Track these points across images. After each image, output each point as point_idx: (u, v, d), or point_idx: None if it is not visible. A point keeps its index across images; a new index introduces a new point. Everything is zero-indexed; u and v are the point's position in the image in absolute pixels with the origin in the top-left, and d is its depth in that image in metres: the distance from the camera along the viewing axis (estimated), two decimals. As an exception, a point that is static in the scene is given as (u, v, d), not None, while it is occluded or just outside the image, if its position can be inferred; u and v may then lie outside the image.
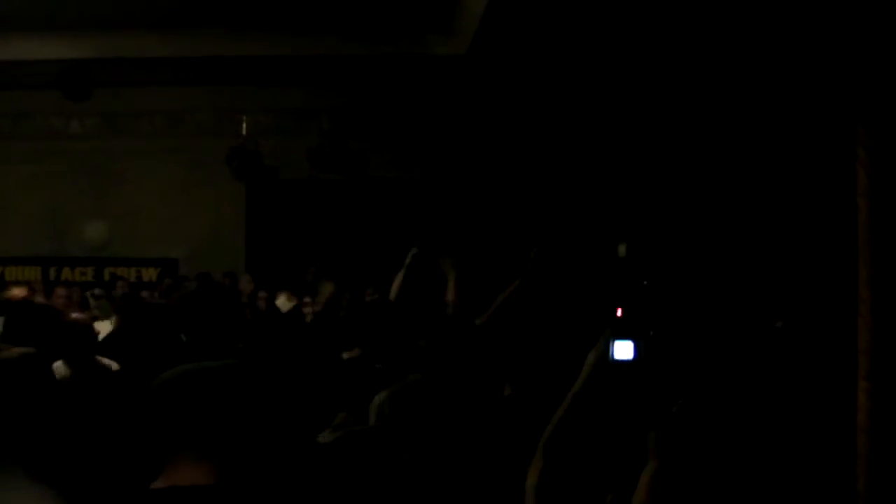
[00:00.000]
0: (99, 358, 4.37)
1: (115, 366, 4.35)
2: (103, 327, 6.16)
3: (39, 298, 7.67)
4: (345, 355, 5.62)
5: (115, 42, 9.12)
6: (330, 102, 10.72)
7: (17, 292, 7.31)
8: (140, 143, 11.37)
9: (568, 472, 2.11)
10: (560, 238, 9.35)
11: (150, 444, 1.97)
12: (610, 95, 8.61)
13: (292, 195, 11.18)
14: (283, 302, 7.72)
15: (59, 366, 4.05)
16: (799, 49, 5.80)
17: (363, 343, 5.80)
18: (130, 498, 2.01)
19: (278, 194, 11.15)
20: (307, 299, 7.29)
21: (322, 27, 8.96)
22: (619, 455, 2.28)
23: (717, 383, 3.56)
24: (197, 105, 11.18)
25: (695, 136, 7.87)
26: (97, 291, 8.25)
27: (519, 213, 10.41)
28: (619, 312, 2.04)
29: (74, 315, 6.06)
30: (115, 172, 11.40)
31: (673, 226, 8.49)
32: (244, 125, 10.00)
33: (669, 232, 8.49)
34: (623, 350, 1.97)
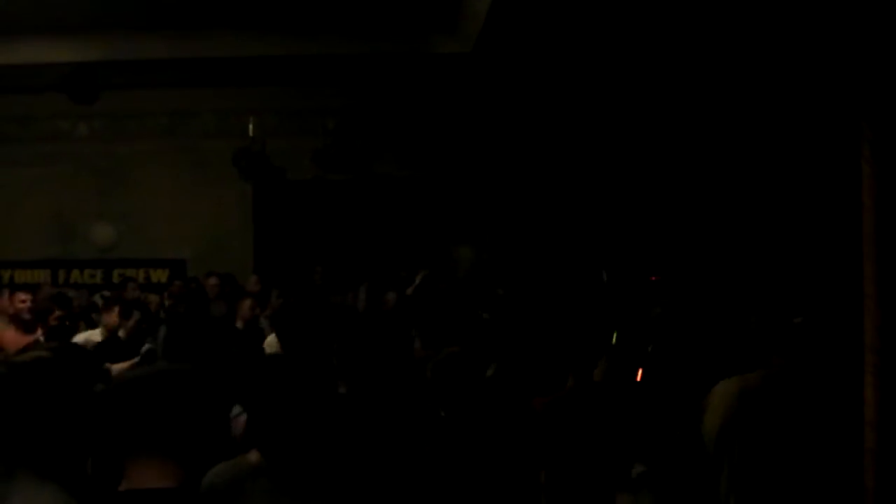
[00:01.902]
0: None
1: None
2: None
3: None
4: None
5: (121, 44, 9.13)
6: (336, 102, 10.74)
7: None
8: (147, 144, 11.40)
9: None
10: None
11: (112, 447, 1.98)
12: (614, 94, 8.63)
13: (299, 195, 11.21)
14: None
15: None
16: (803, 46, 5.80)
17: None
18: (96, 501, 2.02)
19: (285, 195, 11.18)
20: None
21: (327, 27, 8.98)
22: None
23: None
24: (203, 106, 11.21)
25: (700, 135, 7.88)
26: (106, 294, 8.27)
27: (524, 210, 10.43)
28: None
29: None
30: (122, 174, 11.43)
31: (674, 224, 8.49)
32: (251, 126, 10.02)
33: (671, 230, 8.49)
34: None
